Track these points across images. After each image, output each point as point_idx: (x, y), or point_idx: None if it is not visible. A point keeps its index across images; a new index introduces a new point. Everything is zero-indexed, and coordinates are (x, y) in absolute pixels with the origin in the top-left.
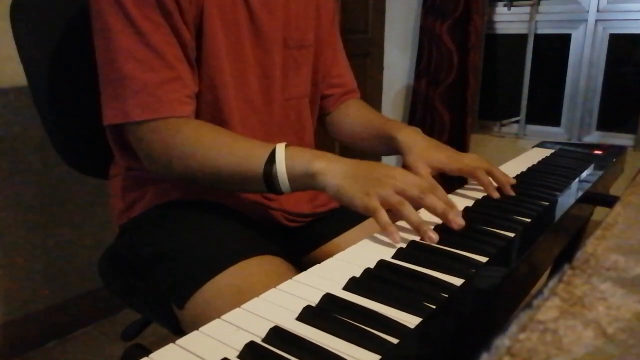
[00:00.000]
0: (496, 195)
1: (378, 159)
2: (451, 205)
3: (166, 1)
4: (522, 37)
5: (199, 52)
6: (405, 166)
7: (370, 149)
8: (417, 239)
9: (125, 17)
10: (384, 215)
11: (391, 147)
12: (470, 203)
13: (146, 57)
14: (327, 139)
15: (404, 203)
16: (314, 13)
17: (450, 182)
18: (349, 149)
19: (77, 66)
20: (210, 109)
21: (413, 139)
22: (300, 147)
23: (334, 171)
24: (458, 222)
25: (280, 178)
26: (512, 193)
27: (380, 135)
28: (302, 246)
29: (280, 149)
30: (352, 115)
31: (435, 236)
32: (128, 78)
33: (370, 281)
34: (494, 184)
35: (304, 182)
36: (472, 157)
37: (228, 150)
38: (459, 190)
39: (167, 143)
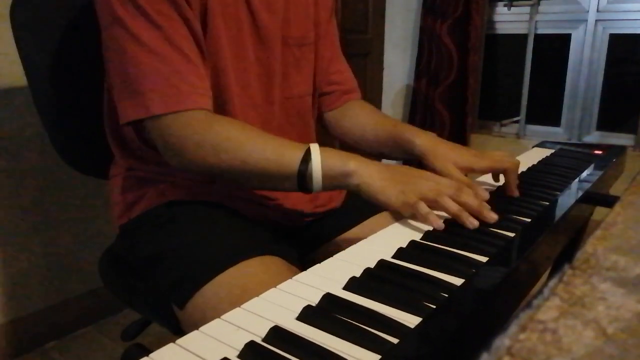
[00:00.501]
0: (516, 193)
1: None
2: (484, 201)
3: None
4: (522, 37)
5: None
6: (431, 171)
7: (380, 152)
8: (417, 239)
9: (138, 11)
10: (424, 206)
11: (406, 151)
12: None
13: (163, 50)
14: (326, 138)
15: (441, 195)
16: (313, 10)
17: None
18: (351, 149)
19: (77, 66)
20: (214, 106)
21: (433, 143)
22: (329, 147)
23: (368, 172)
24: (492, 217)
25: (314, 177)
26: (517, 194)
27: (396, 139)
28: (302, 246)
29: (315, 149)
30: (360, 117)
31: (475, 222)
32: (146, 72)
33: (370, 281)
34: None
35: (337, 181)
36: (500, 153)
37: (261, 148)
38: None
39: (197, 136)
